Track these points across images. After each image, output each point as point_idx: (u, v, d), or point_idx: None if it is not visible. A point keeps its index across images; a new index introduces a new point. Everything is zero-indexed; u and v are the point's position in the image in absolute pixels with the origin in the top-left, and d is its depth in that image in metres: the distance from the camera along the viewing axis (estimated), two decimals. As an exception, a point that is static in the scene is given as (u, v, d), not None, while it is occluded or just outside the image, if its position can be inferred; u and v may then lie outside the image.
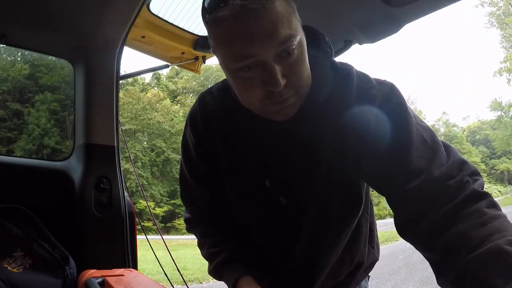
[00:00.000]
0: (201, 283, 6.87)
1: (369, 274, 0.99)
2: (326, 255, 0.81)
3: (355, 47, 1.45)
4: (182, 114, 32.17)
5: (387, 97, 0.68)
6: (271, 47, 0.59)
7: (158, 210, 25.60)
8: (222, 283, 0.84)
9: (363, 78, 0.73)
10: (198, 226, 0.91)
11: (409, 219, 0.61)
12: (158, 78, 38.45)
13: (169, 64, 1.96)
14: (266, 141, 0.76)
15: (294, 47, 0.61)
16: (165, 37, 1.75)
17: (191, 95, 38.49)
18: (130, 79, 30.42)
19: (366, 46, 1.46)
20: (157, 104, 32.20)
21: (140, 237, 1.67)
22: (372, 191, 0.88)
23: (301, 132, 0.73)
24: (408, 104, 0.69)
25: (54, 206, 1.40)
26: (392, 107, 0.67)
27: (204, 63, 1.99)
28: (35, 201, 1.36)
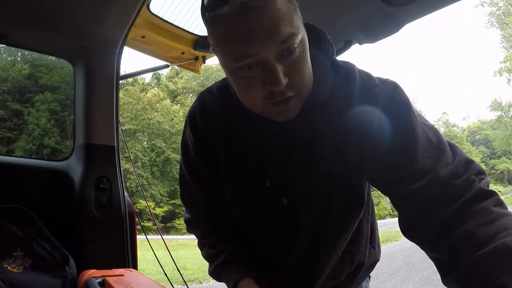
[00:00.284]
0: (201, 283, 6.87)
1: (370, 274, 0.98)
2: (327, 255, 0.80)
3: (355, 47, 1.45)
4: (182, 114, 32.18)
5: (391, 96, 0.67)
6: (272, 45, 0.58)
7: (158, 210, 25.61)
8: (222, 283, 0.84)
9: (366, 77, 0.72)
10: (198, 227, 0.91)
11: (414, 219, 0.60)
12: (158, 78, 38.47)
13: (169, 64, 1.96)
14: (266, 141, 0.75)
15: (296, 45, 0.60)
16: (165, 37, 1.75)
17: (191, 95, 38.50)
18: (130, 79, 30.42)
19: (366, 46, 1.46)
20: (157, 104, 32.21)
21: (140, 237, 1.67)
22: (372, 190, 0.88)
23: (302, 132, 0.72)
24: (412, 103, 0.67)
25: (54, 206, 1.40)
26: (396, 106, 0.66)
27: (204, 63, 1.99)
28: (35, 201, 1.36)
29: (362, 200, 0.77)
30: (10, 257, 1.16)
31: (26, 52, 17.86)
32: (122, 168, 1.54)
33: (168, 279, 1.77)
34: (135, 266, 1.46)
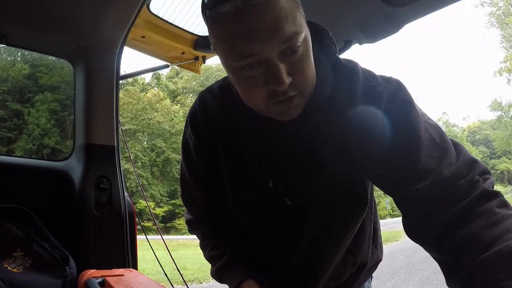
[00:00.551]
0: (201, 283, 6.87)
1: (372, 275, 0.97)
2: (329, 256, 0.79)
3: (355, 47, 1.45)
4: (182, 114, 32.19)
5: (394, 95, 0.66)
6: (275, 44, 0.57)
7: (158, 210, 25.61)
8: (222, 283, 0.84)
9: (369, 75, 0.70)
10: (200, 228, 0.90)
11: (418, 220, 0.59)
12: (158, 78, 38.46)
13: (169, 64, 1.96)
14: (268, 140, 0.74)
15: (299, 44, 0.58)
16: (165, 37, 1.75)
17: (191, 95, 38.50)
18: (130, 79, 30.42)
19: (366, 46, 1.46)
20: (157, 104, 32.21)
21: (140, 237, 1.67)
22: (375, 190, 0.87)
23: (305, 132, 0.71)
24: (415, 102, 0.66)
25: (54, 206, 1.40)
26: (399, 105, 0.65)
27: (204, 63, 1.99)
28: (35, 201, 1.36)
29: (365, 200, 0.76)
30: (10, 257, 1.16)
31: (26, 52, 17.87)
32: (122, 168, 1.54)
33: (168, 279, 1.77)
34: (135, 266, 1.46)
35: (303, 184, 0.74)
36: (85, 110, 1.47)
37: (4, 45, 1.42)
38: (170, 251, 1.81)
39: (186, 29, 1.76)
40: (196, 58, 1.93)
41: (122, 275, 0.90)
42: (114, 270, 0.96)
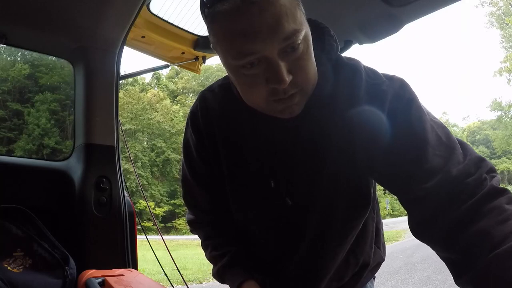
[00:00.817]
0: (201, 283, 6.87)
1: (374, 275, 0.96)
2: (332, 256, 0.79)
3: (355, 47, 1.45)
4: (182, 114, 32.20)
5: (398, 93, 0.65)
6: (275, 42, 0.56)
7: (158, 210, 25.61)
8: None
9: (372, 73, 0.69)
10: (201, 228, 0.89)
11: (426, 219, 0.59)
12: (158, 78, 38.47)
13: (169, 64, 1.96)
14: (270, 139, 0.73)
15: (300, 41, 0.58)
16: (165, 37, 1.75)
17: (191, 95, 38.51)
18: (130, 79, 30.44)
19: (366, 46, 1.46)
20: (157, 104, 32.22)
21: (140, 237, 1.67)
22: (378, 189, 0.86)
23: (307, 130, 0.70)
24: (420, 100, 0.65)
25: (54, 206, 1.40)
26: (404, 104, 0.64)
27: (204, 63, 1.99)
28: (35, 201, 1.36)
29: (369, 200, 0.75)
30: (10, 257, 1.16)
31: (26, 52, 17.87)
32: (122, 168, 1.54)
33: (168, 279, 1.77)
34: (135, 266, 1.46)
35: (305, 183, 0.73)
36: (85, 110, 1.47)
37: (4, 45, 1.42)
38: (170, 251, 1.81)
39: (186, 29, 1.76)
40: (196, 58, 1.93)
41: (122, 275, 0.90)
42: (114, 270, 0.96)
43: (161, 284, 0.86)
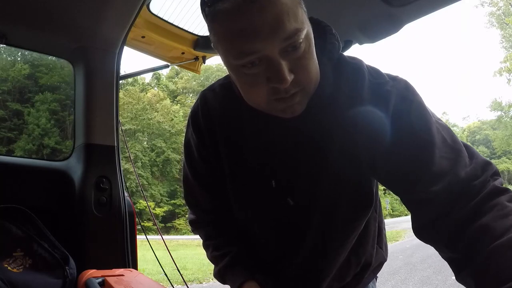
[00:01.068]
0: (201, 283, 6.87)
1: (376, 275, 0.95)
2: (333, 257, 0.78)
3: (355, 47, 1.45)
4: (182, 114, 32.21)
5: (403, 94, 0.64)
6: (276, 42, 0.55)
7: (158, 210, 25.62)
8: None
9: (375, 73, 0.69)
10: (202, 228, 0.89)
11: (432, 220, 0.59)
12: (158, 78, 38.48)
13: (169, 64, 1.96)
14: (271, 139, 0.72)
15: (301, 41, 0.57)
16: (165, 37, 1.75)
17: (191, 95, 38.53)
18: (130, 79, 30.44)
19: (366, 46, 1.46)
20: (157, 104, 32.23)
21: (140, 237, 1.67)
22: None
23: (308, 129, 0.69)
24: (425, 102, 0.65)
25: (54, 206, 1.40)
26: (409, 105, 0.63)
27: (204, 63, 1.99)
28: (35, 201, 1.36)
29: (371, 200, 0.75)
30: (10, 257, 1.16)
31: (26, 52, 17.87)
32: (122, 168, 1.54)
33: (168, 279, 1.77)
34: (135, 266, 1.46)
35: (307, 183, 0.72)
36: (85, 110, 1.47)
37: (4, 45, 1.42)
38: (170, 251, 1.81)
39: (186, 29, 1.76)
40: (196, 58, 1.93)
41: (122, 275, 0.90)
42: (114, 270, 0.96)
43: (161, 284, 0.86)
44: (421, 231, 0.61)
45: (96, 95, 1.49)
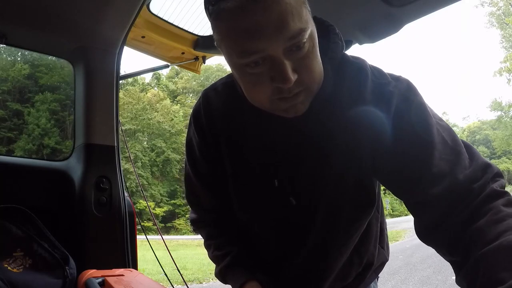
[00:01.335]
0: (201, 283, 6.87)
1: (378, 275, 0.95)
2: (336, 257, 0.78)
3: (355, 47, 1.45)
4: (182, 114, 32.22)
5: (405, 94, 0.64)
6: (280, 41, 0.55)
7: (158, 210, 25.62)
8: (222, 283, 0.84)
9: (378, 73, 0.69)
10: (204, 227, 0.89)
11: (432, 223, 0.59)
12: (158, 78, 38.47)
13: (169, 64, 1.96)
14: (274, 138, 0.72)
15: (305, 40, 0.57)
16: (165, 37, 1.75)
17: (191, 95, 38.53)
18: (130, 79, 30.45)
19: (366, 46, 1.46)
20: (157, 104, 32.22)
21: (140, 237, 1.67)
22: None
23: (311, 129, 0.69)
24: (426, 103, 0.65)
25: (54, 206, 1.40)
26: (410, 106, 0.63)
27: (204, 63, 2.00)
28: (35, 201, 1.36)
29: (374, 199, 0.75)
30: (10, 257, 1.17)
31: (26, 52, 17.89)
32: (122, 168, 1.54)
33: (168, 279, 1.77)
34: (135, 266, 1.46)
35: (309, 182, 0.72)
36: (85, 110, 1.48)
37: (4, 45, 1.42)
38: (170, 251, 1.81)
39: (186, 29, 1.76)
40: (196, 58, 1.94)
41: (122, 275, 0.90)
42: (114, 270, 0.97)
43: (161, 284, 0.86)
44: (423, 233, 0.61)
45: (96, 95, 1.49)
